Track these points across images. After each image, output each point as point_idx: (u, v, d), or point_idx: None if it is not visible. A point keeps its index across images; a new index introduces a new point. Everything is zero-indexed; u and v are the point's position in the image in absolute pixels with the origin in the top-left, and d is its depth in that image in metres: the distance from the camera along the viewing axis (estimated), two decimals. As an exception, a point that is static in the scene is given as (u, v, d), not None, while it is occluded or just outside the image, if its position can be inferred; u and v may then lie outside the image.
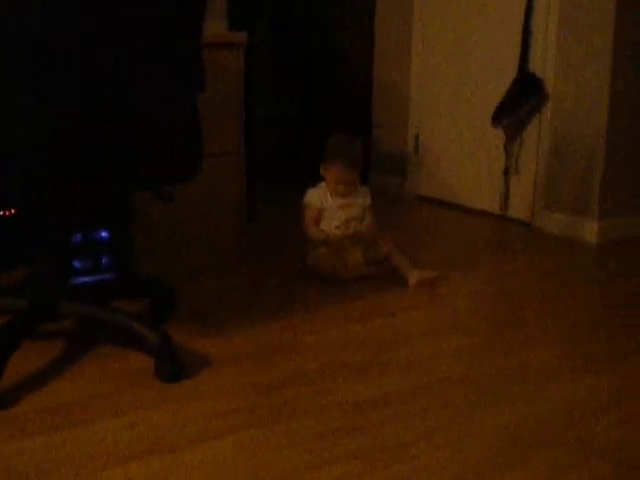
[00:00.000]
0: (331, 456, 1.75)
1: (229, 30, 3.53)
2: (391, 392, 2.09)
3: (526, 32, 3.80)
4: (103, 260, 2.98)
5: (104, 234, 2.97)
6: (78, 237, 2.91)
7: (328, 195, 3.11)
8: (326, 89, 5.08)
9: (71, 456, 1.72)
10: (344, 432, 1.86)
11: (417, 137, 4.56)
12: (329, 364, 2.26)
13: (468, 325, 2.61)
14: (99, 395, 2.02)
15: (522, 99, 3.72)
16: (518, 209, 4.05)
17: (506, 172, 4.00)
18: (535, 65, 3.83)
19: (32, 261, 2.31)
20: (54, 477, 1.65)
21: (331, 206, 3.11)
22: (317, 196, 3.11)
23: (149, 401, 1.99)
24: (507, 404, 2.03)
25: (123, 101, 2.01)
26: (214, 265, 3.10)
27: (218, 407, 1.97)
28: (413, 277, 2.99)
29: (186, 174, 2.22)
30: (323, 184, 3.13)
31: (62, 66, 1.88)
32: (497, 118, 3.82)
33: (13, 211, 2.74)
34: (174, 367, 2.12)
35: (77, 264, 2.90)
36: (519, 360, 2.33)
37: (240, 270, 3.15)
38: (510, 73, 3.86)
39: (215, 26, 3.44)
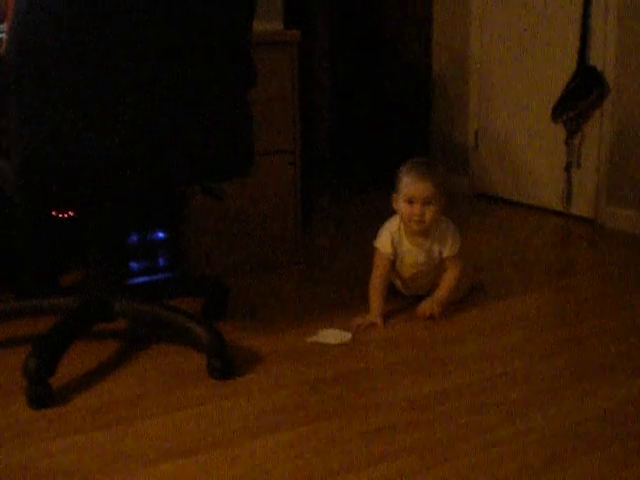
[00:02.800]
0: (384, 452, 1.73)
1: (285, 29, 3.53)
2: (445, 389, 2.06)
3: (585, 24, 3.73)
4: (160, 261, 3.00)
5: (161, 235, 2.99)
6: (135, 238, 2.93)
7: (404, 236, 2.59)
8: (385, 88, 5.05)
9: (119, 453, 1.73)
10: (397, 429, 1.84)
11: (477, 133, 4.50)
12: (382, 362, 2.24)
13: (525, 323, 2.56)
14: (149, 393, 2.03)
15: (582, 93, 3.66)
16: (581, 205, 3.97)
17: (568, 167, 3.92)
18: (595, 58, 3.75)
19: (88, 262, 2.33)
20: (102, 474, 1.65)
21: (408, 250, 2.60)
22: (390, 240, 2.57)
23: (199, 398, 2.00)
24: (563, 401, 1.98)
25: (175, 99, 2.02)
26: (268, 263, 3.10)
27: (268, 404, 1.97)
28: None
29: (238, 170, 2.22)
30: (396, 219, 2.61)
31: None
32: (557, 113, 3.77)
33: (70, 214, 2.78)
34: (225, 364, 2.12)
35: (134, 265, 2.93)
36: (576, 357, 2.27)
37: (294, 268, 3.14)
38: (570, 67, 3.80)
39: (270, 25, 3.44)
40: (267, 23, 3.42)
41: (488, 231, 3.83)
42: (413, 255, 2.59)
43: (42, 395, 1.96)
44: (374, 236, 2.61)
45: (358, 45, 5.22)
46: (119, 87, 1.93)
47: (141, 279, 2.92)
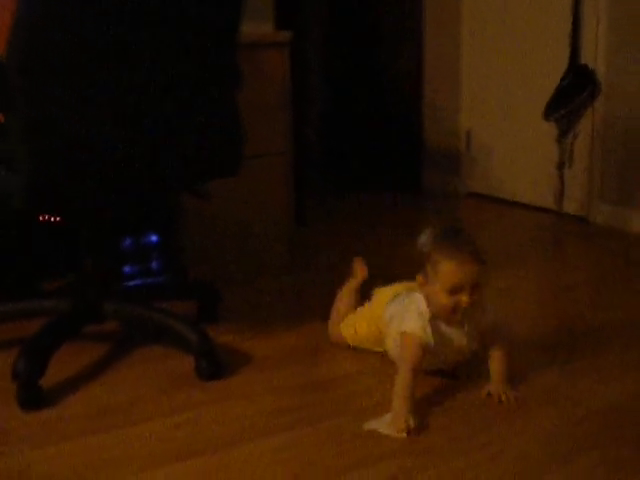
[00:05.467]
0: (380, 453, 1.73)
1: (276, 30, 3.53)
2: (442, 389, 2.05)
3: (576, 23, 3.73)
4: (153, 264, 2.99)
5: (154, 238, 2.98)
6: (129, 242, 2.92)
7: (428, 323, 1.98)
8: (376, 87, 5.05)
9: (112, 458, 1.72)
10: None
11: (469, 134, 4.50)
12: (377, 364, 2.23)
13: (517, 322, 2.55)
14: (142, 398, 2.02)
15: (574, 91, 3.65)
16: (573, 203, 3.96)
17: (560, 166, 3.92)
18: (586, 56, 3.75)
19: (78, 268, 2.32)
20: (96, 480, 1.65)
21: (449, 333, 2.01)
22: (422, 322, 1.97)
23: (191, 403, 1.99)
24: (561, 399, 1.98)
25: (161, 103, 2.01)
26: (262, 267, 3.09)
27: (261, 407, 1.96)
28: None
29: (226, 170, 2.21)
30: (418, 300, 2.02)
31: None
32: (549, 111, 3.76)
33: (58, 219, 2.76)
34: (213, 365, 2.12)
35: (127, 269, 2.92)
36: (567, 359, 2.26)
37: (288, 273, 3.13)
38: (561, 66, 3.79)
39: (260, 26, 3.44)
40: (257, 24, 3.41)
41: (480, 230, 3.82)
42: (456, 338, 2.02)
43: (32, 397, 1.95)
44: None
45: (351, 45, 5.21)
46: (115, 88, 1.92)
47: (134, 282, 2.91)
